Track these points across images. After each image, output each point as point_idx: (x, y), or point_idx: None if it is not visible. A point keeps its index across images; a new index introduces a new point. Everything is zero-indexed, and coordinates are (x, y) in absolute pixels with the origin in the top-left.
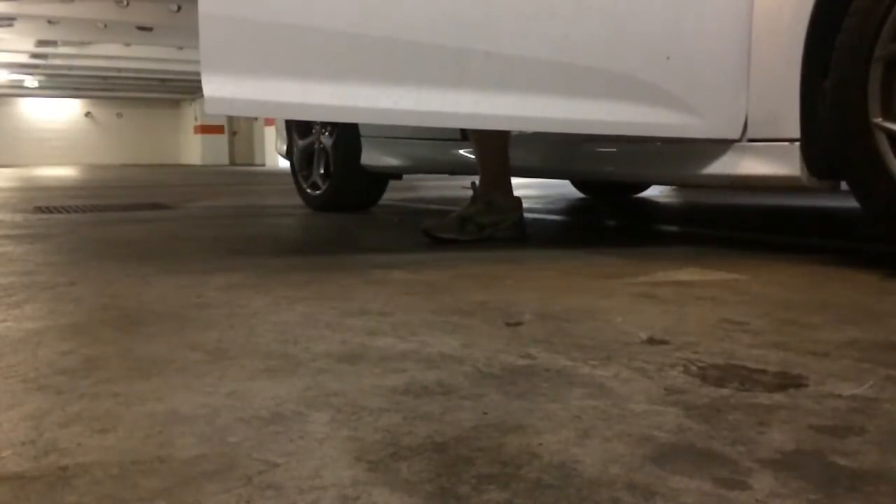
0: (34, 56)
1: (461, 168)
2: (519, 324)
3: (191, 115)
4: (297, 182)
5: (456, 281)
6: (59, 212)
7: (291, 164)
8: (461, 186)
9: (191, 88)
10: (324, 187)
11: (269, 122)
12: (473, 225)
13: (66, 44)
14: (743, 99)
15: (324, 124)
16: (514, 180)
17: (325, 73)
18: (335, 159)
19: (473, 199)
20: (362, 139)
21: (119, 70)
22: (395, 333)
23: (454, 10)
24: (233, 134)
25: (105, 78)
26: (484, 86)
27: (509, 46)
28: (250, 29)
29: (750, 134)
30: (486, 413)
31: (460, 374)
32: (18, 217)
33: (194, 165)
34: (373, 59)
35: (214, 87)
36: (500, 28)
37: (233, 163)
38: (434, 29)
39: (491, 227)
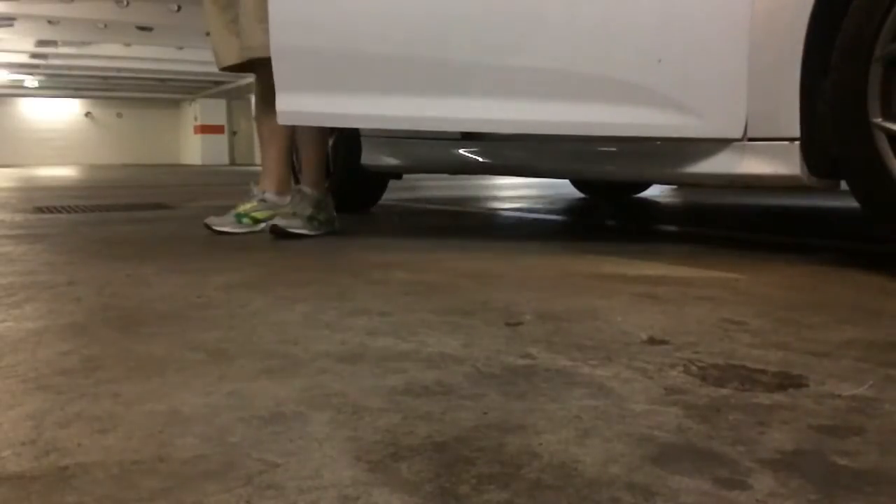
0: (34, 56)
1: (461, 168)
2: (519, 324)
3: (191, 115)
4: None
5: (456, 281)
6: (59, 212)
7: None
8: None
9: (191, 88)
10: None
11: None
12: (317, 221)
13: (66, 44)
14: (743, 98)
15: None
16: (517, 180)
17: (363, 89)
18: (335, 159)
19: (304, 198)
20: (362, 139)
21: (119, 70)
22: (395, 333)
23: (461, 32)
24: (233, 134)
25: (105, 78)
26: (492, 94)
27: (520, 58)
28: (310, 56)
29: (750, 133)
30: (486, 413)
31: (460, 374)
32: (18, 217)
33: (194, 165)
34: (400, 76)
35: (284, 103)
36: (510, 42)
37: (233, 163)
38: (447, 46)
39: (326, 223)
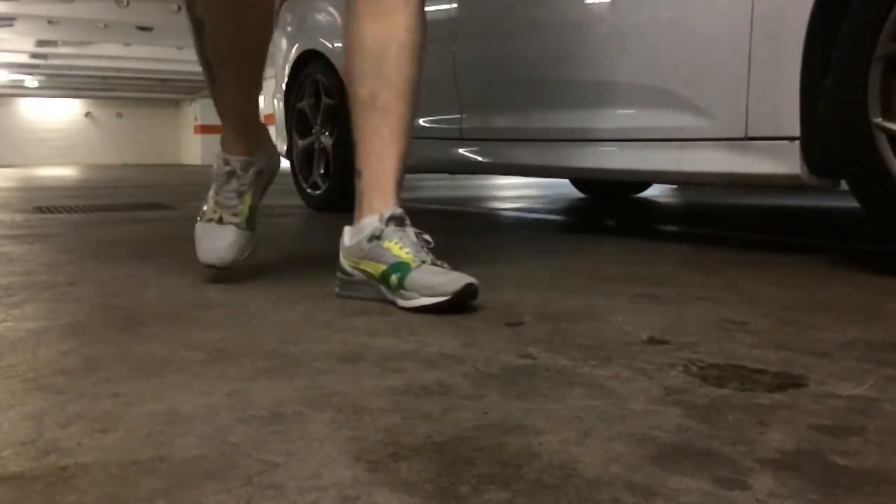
0: (34, 56)
1: (461, 168)
2: (519, 324)
3: (191, 115)
4: (297, 182)
5: None
6: (59, 212)
7: (291, 164)
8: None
9: (191, 88)
10: (324, 187)
11: (268, 121)
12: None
13: (66, 44)
14: (744, 97)
15: (323, 124)
16: (517, 180)
17: None
18: (335, 159)
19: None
20: None
21: (119, 70)
22: (395, 333)
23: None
24: None
25: (105, 78)
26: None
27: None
28: None
29: (750, 132)
30: (486, 413)
31: (460, 374)
32: (18, 217)
33: (194, 165)
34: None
35: None
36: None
37: None
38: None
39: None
